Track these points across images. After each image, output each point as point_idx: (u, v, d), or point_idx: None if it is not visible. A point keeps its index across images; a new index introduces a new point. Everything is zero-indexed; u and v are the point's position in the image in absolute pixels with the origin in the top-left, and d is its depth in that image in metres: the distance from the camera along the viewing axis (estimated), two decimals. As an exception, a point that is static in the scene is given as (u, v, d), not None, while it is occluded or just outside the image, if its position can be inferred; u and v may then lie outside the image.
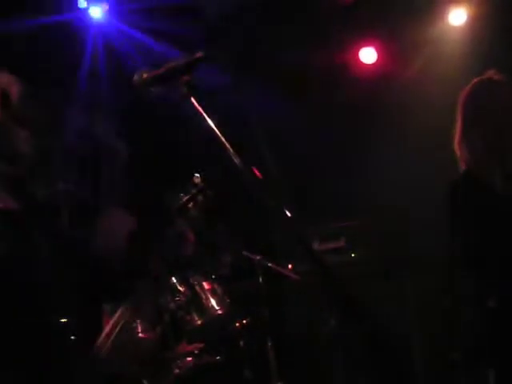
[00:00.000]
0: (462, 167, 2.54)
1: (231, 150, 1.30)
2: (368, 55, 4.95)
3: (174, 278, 3.58)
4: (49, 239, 1.97)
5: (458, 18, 4.67)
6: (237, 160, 1.29)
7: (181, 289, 3.56)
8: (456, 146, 2.55)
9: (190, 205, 2.23)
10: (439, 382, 4.22)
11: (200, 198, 2.25)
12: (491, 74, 2.59)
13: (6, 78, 1.97)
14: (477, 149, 2.48)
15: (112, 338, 2.06)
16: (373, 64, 4.96)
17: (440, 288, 4.01)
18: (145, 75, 1.48)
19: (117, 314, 2.02)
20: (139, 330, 3.16)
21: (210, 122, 1.36)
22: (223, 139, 1.31)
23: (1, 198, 1.87)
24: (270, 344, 3.85)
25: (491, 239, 2.34)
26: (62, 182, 2.77)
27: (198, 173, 2.30)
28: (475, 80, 2.62)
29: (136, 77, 1.49)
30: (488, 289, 2.37)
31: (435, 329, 4.14)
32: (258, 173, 1.30)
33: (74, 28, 4.23)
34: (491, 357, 2.38)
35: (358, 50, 4.95)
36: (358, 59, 4.96)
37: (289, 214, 1.28)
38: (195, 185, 2.27)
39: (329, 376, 4.49)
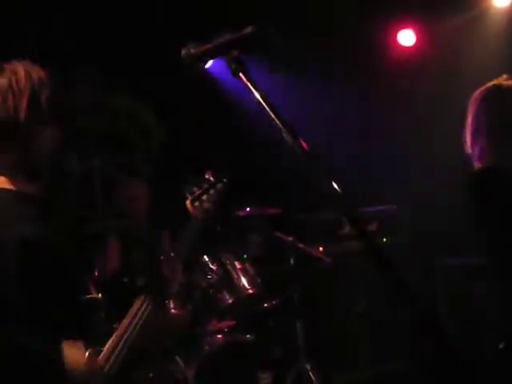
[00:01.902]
0: (478, 164, 2.53)
1: (280, 123, 1.29)
2: (407, 38, 4.87)
3: (206, 257, 3.61)
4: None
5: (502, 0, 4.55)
6: (285, 134, 1.28)
7: (213, 267, 3.59)
8: (469, 150, 2.55)
9: (204, 197, 2.40)
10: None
11: (212, 191, 2.42)
12: (503, 79, 2.57)
13: (37, 74, 1.91)
14: (495, 151, 2.48)
15: (144, 315, 2.10)
16: (411, 47, 4.87)
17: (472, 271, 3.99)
18: (192, 50, 1.46)
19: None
20: (171, 307, 3.20)
21: (258, 96, 1.34)
22: (272, 113, 1.30)
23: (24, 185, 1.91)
24: (299, 325, 3.86)
25: None
26: (97, 158, 2.81)
27: (209, 169, 2.48)
28: (490, 84, 2.58)
29: (184, 51, 1.48)
30: None
31: (466, 316, 4.11)
32: (306, 147, 1.29)
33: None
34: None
35: (397, 32, 4.87)
36: (396, 41, 4.88)
37: (337, 189, 1.27)
38: (207, 180, 2.46)
39: (356, 358, 4.50)
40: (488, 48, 4.57)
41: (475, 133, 2.53)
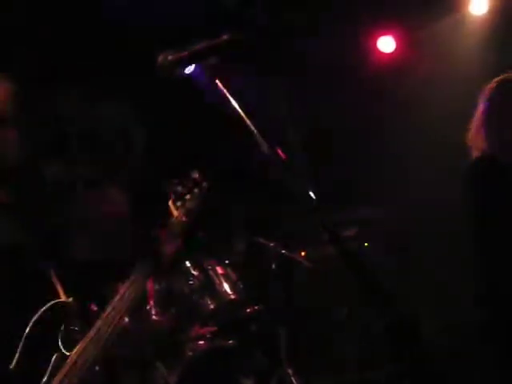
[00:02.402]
0: (476, 154, 2.60)
1: (256, 132, 1.30)
2: (387, 44, 4.92)
3: (187, 262, 3.61)
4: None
5: (478, 8, 4.62)
6: (262, 143, 1.30)
7: (194, 273, 3.58)
8: (473, 134, 2.63)
9: (187, 197, 2.30)
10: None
11: (196, 191, 2.32)
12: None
13: None
14: (494, 142, 2.56)
15: (126, 320, 2.07)
16: (391, 53, 4.93)
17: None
18: (170, 57, 1.48)
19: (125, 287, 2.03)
20: (153, 313, 3.19)
21: (235, 104, 1.36)
22: (248, 122, 1.31)
23: None
24: (281, 330, 3.88)
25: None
26: (79, 164, 2.81)
27: (197, 168, 2.39)
28: (499, 79, 2.68)
29: (161, 58, 1.49)
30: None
31: (448, 318, 4.15)
32: (283, 155, 1.30)
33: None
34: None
35: (377, 39, 4.92)
36: (376, 48, 4.93)
37: (314, 198, 1.29)
38: (191, 178, 2.35)
39: (340, 363, 4.52)
40: (465, 55, 4.64)
41: (482, 124, 2.61)
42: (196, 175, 2.35)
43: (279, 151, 1.33)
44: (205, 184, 2.34)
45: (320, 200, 1.34)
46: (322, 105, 4.82)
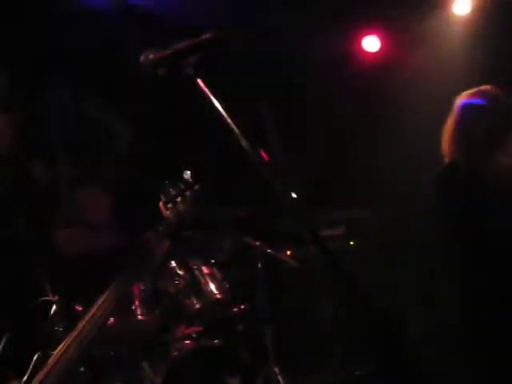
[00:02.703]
0: (448, 159, 2.70)
1: (238, 132, 1.30)
2: (371, 43, 4.95)
3: (173, 262, 3.60)
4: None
5: (462, 8, 4.66)
6: (244, 143, 1.30)
7: (180, 272, 3.58)
8: (445, 143, 2.75)
9: (179, 199, 2.26)
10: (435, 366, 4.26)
11: (188, 193, 2.27)
12: (486, 87, 2.76)
13: None
14: (465, 149, 2.68)
15: (111, 319, 2.06)
16: (376, 52, 4.95)
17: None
18: (151, 56, 1.48)
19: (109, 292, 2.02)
20: (138, 313, 3.19)
21: (217, 104, 1.36)
22: (230, 122, 1.31)
23: None
24: (267, 329, 3.88)
25: (482, 220, 2.49)
26: (61, 164, 2.80)
27: (189, 169, 2.33)
28: (470, 91, 2.78)
29: (142, 58, 1.49)
30: (477, 267, 2.51)
31: (432, 315, 4.18)
32: (265, 156, 1.30)
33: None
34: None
35: (362, 38, 4.95)
36: (361, 48, 4.96)
37: (296, 198, 1.29)
38: (184, 180, 2.30)
39: (326, 362, 4.53)
40: (450, 55, 4.68)
41: (452, 135, 2.73)
42: (188, 177, 2.31)
43: (262, 152, 1.33)
44: (197, 186, 2.29)
45: (304, 200, 1.34)
46: (307, 105, 4.84)
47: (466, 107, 2.74)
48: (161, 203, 2.26)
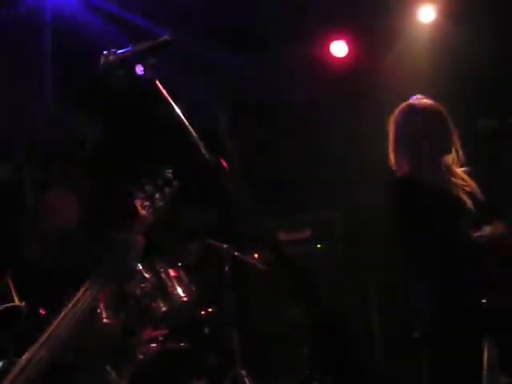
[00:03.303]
0: (398, 172, 2.74)
1: (196, 137, 1.30)
2: (339, 49, 5.00)
3: (140, 265, 3.58)
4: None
5: (427, 15, 4.75)
6: (202, 148, 1.30)
7: (147, 275, 3.56)
8: (392, 159, 2.78)
9: (157, 196, 2.21)
10: (399, 369, 4.32)
11: (167, 190, 2.23)
12: (418, 98, 2.80)
13: None
14: (411, 162, 2.71)
15: (76, 323, 2.05)
16: (344, 57, 5.01)
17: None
18: (111, 57, 1.48)
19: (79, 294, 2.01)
20: (103, 316, 3.16)
21: (175, 106, 1.36)
22: (189, 125, 1.31)
23: None
24: (234, 332, 3.88)
25: (436, 230, 2.53)
26: (26, 167, 2.77)
27: (169, 167, 2.29)
28: (404, 104, 2.82)
29: (102, 59, 1.49)
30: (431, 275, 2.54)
31: (394, 317, 4.23)
32: (223, 162, 1.30)
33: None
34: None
35: (330, 44, 5.00)
36: (329, 53, 5.01)
37: (253, 205, 1.30)
38: (163, 177, 2.25)
39: (292, 364, 4.55)
40: (416, 59, 4.76)
41: (395, 148, 2.78)
42: (168, 174, 2.26)
43: (221, 160, 1.33)
44: (176, 183, 2.24)
45: (260, 206, 1.35)
46: (274, 108, 4.87)
47: (406, 117, 2.76)
48: (137, 200, 2.20)
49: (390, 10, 4.62)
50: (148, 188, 2.21)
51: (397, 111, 2.82)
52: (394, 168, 2.78)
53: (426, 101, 2.80)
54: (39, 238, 2.50)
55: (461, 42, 4.52)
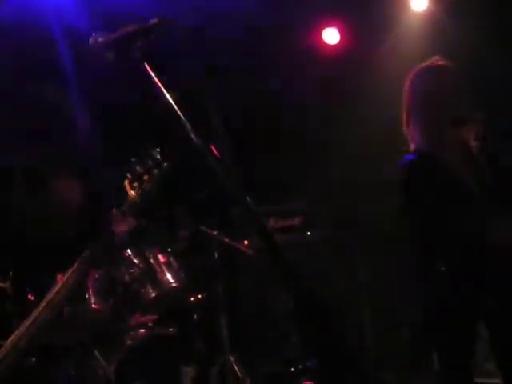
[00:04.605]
0: (412, 148, 2.60)
1: (186, 122, 1.29)
2: (331, 36, 4.99)
3: (128, 250, 3.57)
4: None
5: (419, 4, 4.74)
6: (193, 134, 1.29)
7: (136, 261, 3.55)
8: (405, 129, 2.62)
9: (145, 178, 2.11)
10: (389, 357, 4.36)
11: (156, 171, 2.12)
12: (435, 59, 2.64)
13: None
14: (424, 134, 2.54)
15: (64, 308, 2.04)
16: (336, 45, 4.99)
17: (389, 265, 4.14)
18: (100, 39, 1.46)
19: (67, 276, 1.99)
20: (92, 302, 3.15)
21: (164, 90, 1.34)
22: (179, 111, 1.29)
23: None
24: (222, 318, 3.90)
25: (443, 212, 2.40)
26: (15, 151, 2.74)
27: (157, 146, 2.16)
28: (419, 66, 2.64)
29: (91, 41, 1.48)
30: (437, 262, 2.44)
31: (385, 306, 4.26)
32: (214, 149, 1.29)
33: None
34: (437, 333, 2.49)
35: (322, 31, 4.98)
36: (321, 39, 4.99)
37: (243, 193, 1.29)
38: (152, 158, 2.14)
39: (280, 350, 4.58)
40: (408, 48, 4.75)
41: (408, 117, 2.57)
42: (157, 154, 2.14)
43: (210, 145, 1.32)
44: (165, 165, 2.13)
45: (252, 194, 1.34)
46: (266, 98, 4.85)
47: (418, 80, 2.55)
48: (126, 181, 2.12)
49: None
50: (137, 168, 2.12)
51: (411, 74, 2.60)
52: (406, 133, 2.58)
53: (444, 62, 2.57)
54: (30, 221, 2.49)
55: (453, 30, 4.50)
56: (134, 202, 2.11)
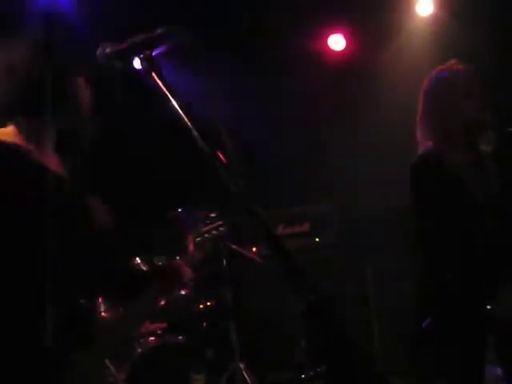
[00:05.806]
0: (421, 148, 2.59)
1: (194, 130, 1.29)
2: (337, 42, 5.00)
3: (138, 258, 3.59)
4: None
5: (425, 8, 4.74)
6: (200, 142, 1.29)
7: (145, 269, 3.56)
8: (418, 131, 2.62)
9: (207, 235, 2.39)
10: (399, 361, 4.33)
11: (214, 232, 2.40)
12: (452, 63, 2.64)
13: None
14: (437, 135, 2.54)
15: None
16: (341, 51, 5.00)
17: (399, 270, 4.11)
18: (108, 49, 1.47)
19: None
20: (101, 310, 3.16)
21: (172, 100, 1.34)
22: (187, 119, 1.29)
23: None
24: (232, 326, 3.89)
25: (453, 214, 2.39)
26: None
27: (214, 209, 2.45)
28: (437, 69, 2.65)
29: (99, 51, 1.48)
30: (447, 265, 2.43)
31: (394, 311, 4.25)
32: (221, 156, 1.29)
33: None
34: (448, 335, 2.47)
35: (327, 37, 4.99)
36: (327, 46, 5.00)
37: (250, 199, 1.28)
38: (212, 219, 2.42)
39: (290, 357, 4.56)
40: (414, 52, 4.75)
41: (420, 121, 2.58)
42: (217, 217, 2.42)
43: (217, 151, 1.32)
44: (223, 229, 2.40)
45: (258, 199, 1.34)
46: (273, 104, 4.86)
47: (430, 85, 2.54)
48: (190, 237, 2.34)
49: (388, 3, 4.61)
50: (202, 229, 2.38)
51: (433, 74, 2.57)
52: (419, 142, 2.57)
53: (460, 65, 2.54)
54: None
55: (459, 35, 4.50)
56: (192, 256, 2.34)
